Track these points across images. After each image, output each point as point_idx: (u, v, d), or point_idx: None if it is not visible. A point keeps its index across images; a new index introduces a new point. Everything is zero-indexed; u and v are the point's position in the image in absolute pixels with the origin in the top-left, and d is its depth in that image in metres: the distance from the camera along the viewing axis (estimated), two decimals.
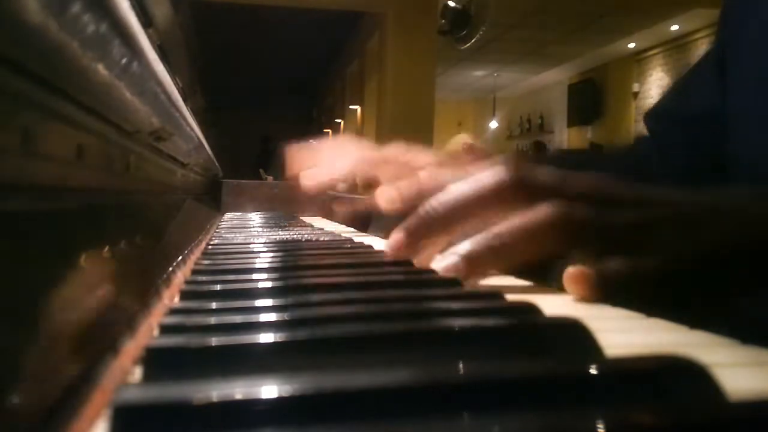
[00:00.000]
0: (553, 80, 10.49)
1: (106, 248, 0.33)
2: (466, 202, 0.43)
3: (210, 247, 0.59)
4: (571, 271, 0.38)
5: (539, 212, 0.39)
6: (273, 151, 8.86)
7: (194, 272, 0.41)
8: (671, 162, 0.83)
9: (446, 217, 0.43)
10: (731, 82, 0.70)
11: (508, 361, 0.21)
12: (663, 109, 0.87)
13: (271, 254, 0.52)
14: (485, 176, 0.42)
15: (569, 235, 0.39)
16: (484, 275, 0.43)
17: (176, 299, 0.33)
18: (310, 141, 0.90)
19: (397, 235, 0.46)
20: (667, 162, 0.83)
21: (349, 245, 0.64)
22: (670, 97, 0.88)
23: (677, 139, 0.82)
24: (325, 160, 0.86)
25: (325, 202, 1.53)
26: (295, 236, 0.74)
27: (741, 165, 0.68)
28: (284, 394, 0.16)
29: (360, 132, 8.49)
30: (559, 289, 0.39)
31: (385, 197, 0.52)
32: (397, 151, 0.85)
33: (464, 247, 0.41)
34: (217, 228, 0.92)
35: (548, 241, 0.39)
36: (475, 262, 0.41)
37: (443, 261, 0.41)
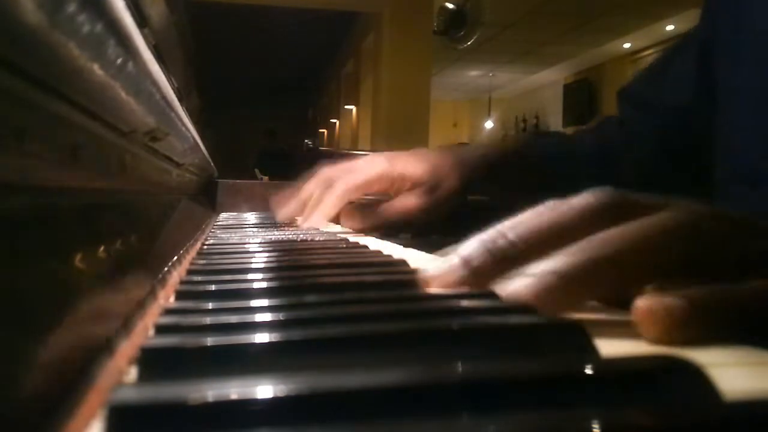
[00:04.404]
0: (548, 80, 10.51)
1: (102, 248, 0.33)
2: (551, 229, 0.32)
3: (205, 247, 0.59)
4: (645, 304, 0.26)
5: (673, 214, 0.30)
6: (279, 148, 8.75)
7: (189, 272, 0.41)
8: (636, 147, 0.84)
9: (525, 251, 0.32)
10: (724, 63, 0.70)
11: (503, 361, 0.21)
12: (636, 92, 0.88)
13: (267, 254, 0.52)
14: (574, 201, 0.32)
15: (698, 252, 0.29)
16: (572, 306, 0.29)
17: (171, 299, 0.33)
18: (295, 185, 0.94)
19: (454, 271, 0.33)
20: (632, 147, 0.84)
21: (344, 245, 0.64)
22: (645, 80, 0.88)
23: (646, 126, 0.83)
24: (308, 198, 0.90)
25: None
26: (290, 236, 0.74)
27: (731, 145, 0.68)
28: (280, 395, 0.16)
29: (355, 132, 8.49)
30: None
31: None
32: (383, 167, 0.86)
33: (552, 264, 0.29)
34: (213, 228, 0.92)
35: (676, 257, 0.29)
36: (565, 286, 0.28)
37: (514, 283, 0.30)
